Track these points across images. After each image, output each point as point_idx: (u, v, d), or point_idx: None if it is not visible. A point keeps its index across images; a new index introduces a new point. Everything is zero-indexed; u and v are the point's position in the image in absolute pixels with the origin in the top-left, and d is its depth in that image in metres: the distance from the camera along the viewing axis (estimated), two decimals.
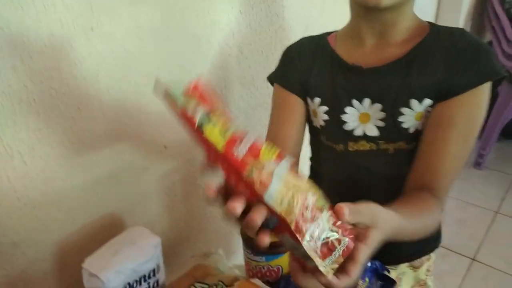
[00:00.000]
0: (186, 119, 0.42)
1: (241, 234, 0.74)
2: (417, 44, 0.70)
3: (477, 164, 2.51)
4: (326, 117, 0.76)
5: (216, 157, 0.41)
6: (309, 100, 0.79)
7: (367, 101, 0.72)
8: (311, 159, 0.89)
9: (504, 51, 2.13)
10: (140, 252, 0.69)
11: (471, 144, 0.68)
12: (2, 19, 0.56)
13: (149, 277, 0.71)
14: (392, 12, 0.68)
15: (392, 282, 0.74)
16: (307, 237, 0.40)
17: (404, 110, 0.69)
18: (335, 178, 0.80)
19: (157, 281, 0.73)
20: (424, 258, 0.86)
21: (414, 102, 0.68)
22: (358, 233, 0.47)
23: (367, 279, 0.70)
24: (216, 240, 1.04)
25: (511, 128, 2.56)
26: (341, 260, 0.43)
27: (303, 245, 0.40)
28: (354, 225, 0.46)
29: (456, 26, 0.71)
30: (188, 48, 0.84)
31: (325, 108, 0.76)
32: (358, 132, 0.74)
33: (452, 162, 0.67)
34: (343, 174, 0.79)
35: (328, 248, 0.42)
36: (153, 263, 0.71)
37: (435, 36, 0.70)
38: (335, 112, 0.75)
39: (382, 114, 0.71)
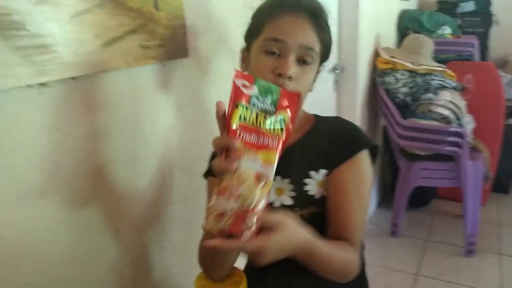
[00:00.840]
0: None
1: None
2: (307, 130, 0.93)
3: (393, 232, 2.76)
4: None
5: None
6: None
7: (278, 178, 0.89)
8: None
9: (397, 133, 2.51)
10: None
11: (366, 199, 0.89)
12: None
13: None
14: None
15: None
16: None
17: (306, 180, 0.88)
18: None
19: None
20: None
21: (312, 173, 0.88)
22: (262, 227, 0.63)
23: None
24: None
25: (415, 197, 2.91)
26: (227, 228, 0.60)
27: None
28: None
29: (335, 116, 0.98)
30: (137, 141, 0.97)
31: None
32: (276, 204, 0.89)
33: (354, 216, 0.85)
34: None
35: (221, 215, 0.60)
36: None
37: (319, 123, 0.94)
38: None
39: (291, 186, 0.89)
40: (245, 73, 0.68)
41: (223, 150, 0.63)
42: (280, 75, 0.80)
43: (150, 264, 1.04)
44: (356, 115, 2.53)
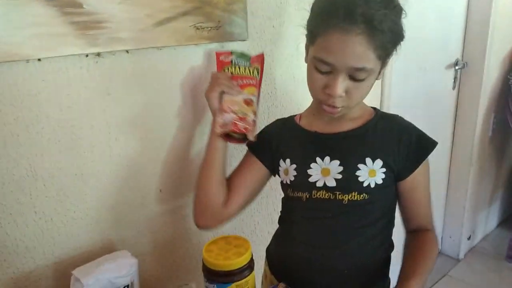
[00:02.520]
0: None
1: (204, 268, 0.89)
2: (368, 121, 0.94)
3: (509, 256, 2.42)
4: (295, 173, 0.96)
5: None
6: (281, 162, 0.99)
7: (327, 158, 0.92)
8: (281, 212, 1.05)
9: None
10: (118, 268, 0.87)
11: (430, 196, 1.01)
12: None
13: None
14: None
15: None
16: None
17: (360, 165, 0.89)
18: (301, 223, 0.97)
19: None
20: None
21: (368, 160, 0.89)
22: None
23: None
24: (192, 277, 1.17)
25: None
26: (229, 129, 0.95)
27: None
28: None
29: (393, 114, 1.01)
30: (186, 114, 1.08)
31: (294, 166, 0.96)
32: (319, 183, 0.92)
33: (429, 207, 1.00)
34: (307, 219, 0.96)
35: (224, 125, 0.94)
36: (127, 279, 0.88)
37: (380, 117, 0.96)
38: (302, 168, 0.95)
39: (340, 169, 0.90)
40: (223, 50, 0.98)
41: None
42: (329, 95, 0.83)
43: (188, 225, 1.15)
44: (477, 117, 2.26)
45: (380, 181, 0.89)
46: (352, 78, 0.81)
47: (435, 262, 0.93)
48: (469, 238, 2.55)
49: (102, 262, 0.87)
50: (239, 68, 0.99)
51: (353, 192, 0.89)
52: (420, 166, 0.93)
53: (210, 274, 0.86)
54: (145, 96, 0.99)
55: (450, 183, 2.45)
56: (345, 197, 0.90)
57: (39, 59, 0.82)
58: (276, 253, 1.04)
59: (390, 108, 1.74)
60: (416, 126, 0.97)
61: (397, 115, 0.99)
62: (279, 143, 1.00)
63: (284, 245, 1.01)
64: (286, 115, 1.08)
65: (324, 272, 0.92)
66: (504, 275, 2.33)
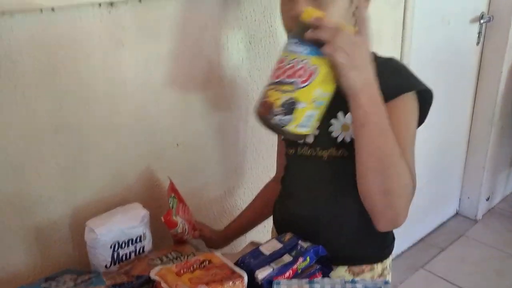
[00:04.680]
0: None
1: (298, 23, 0.70)
2: None
3: None
4: None
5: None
6: None
7: None
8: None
9: None
10: (130, 219, 0.89)
11: (410, 145, 0.78)
12: None
13: (136, 241, 0.89)
14: None
15: (330, 267, 0.85)
16: None
17: (332, 121, 0.84)
18: (290, 179, 0.98)
19: (143, 247, 0.91)
20: (365, 266, 0.90)
21: (340, 114, 0.83)
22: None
23: (308, 258, 0.82)
24: None
25: None
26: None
27: None
28: None
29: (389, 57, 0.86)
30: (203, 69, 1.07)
31: None
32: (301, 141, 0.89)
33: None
34: (294, 175, 0.96)
35: None
36: (140, 230, 0.90)
37: None
38: None
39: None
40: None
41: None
42: (294, 18, 0.74)
43: (209, 179, 1.16)
44: (501, 75, 2.19)
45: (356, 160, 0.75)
46: None
47: (396, 156, 0.70)
48: (487, 199, 2.53)
49: (114, 213, 0.89)
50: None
51: (331, 148, 0.85)
52: (392, 108, 0.74)
53: (306, 30, 0.67)
54: (159, 46, 0.98)
55: (470, 142, 2.41)
56: (324, 153, 0.86)
57: (52, 9, 0.81)
58: (275, 209, 1.04)
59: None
60: (405, 67, 0.83)
61: (392, 58, 0.86)
62: None
63: (279, 200, 1.02)
64: None
65: (319, 227, 0.90)
66: None
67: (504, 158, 2.54)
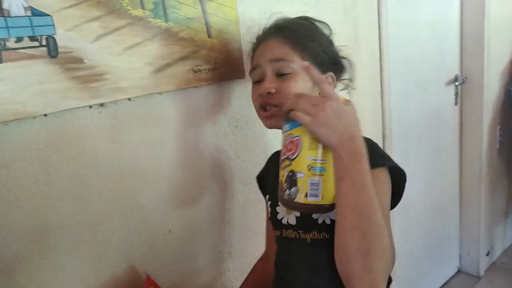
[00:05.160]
0: None
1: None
2: None
3: None
4: (270, 209, 0.97)
5: None
6: (266, 198, 1.02)
7: None
8: None
9: None
10: None
11: (385, 211, 0.77)
12: None
13: None
14: None
15: None
16: None
17: None
18: (277, 259, 0.98)
19: None
20: None
21: None
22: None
23: None
24: None
25: None
26: None
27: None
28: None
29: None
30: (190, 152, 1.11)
31: (269, 202, 0.98)
32: (284, 221, 0.91)
33: None
34: (280, 256, 0.96)
35: None
36: None
37: None
38: (273, 205, 0.96)
39: None
40: None
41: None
42: (261, 96, 0.89)
43: (202, 264, 1.15)
44: (482, 131, 2.26)
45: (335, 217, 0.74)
46: (279, 75, 0.88)
47: (376, 217, 0.68)
48: (487, 254, 2.50)
49: None
50: None
51: (313, 231, 0.85)
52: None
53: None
54: (149, 141, 1.02)
55: (462, 199, 2.43)
56: (307, 236, 0.86)
57: (45, 115, 0.85)
58: None
59: (393, 129, 1.75)
60: (377, 146, 0.86)
61: (366, 139, 0.79)
62: (266, 180, 1.05)
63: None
64: None
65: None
66: None
67: (498, 211, 2.55)
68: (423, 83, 2.02)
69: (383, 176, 0.81)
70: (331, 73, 0.93)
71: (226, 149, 1.18)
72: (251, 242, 1.28)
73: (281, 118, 0.76)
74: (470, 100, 2.26)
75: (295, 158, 0.70)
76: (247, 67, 1.16)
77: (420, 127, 2.04)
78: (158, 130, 1.03)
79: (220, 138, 1.16)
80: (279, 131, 0.77)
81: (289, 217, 0.90)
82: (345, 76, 1.00)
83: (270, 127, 0.92)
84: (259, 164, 1.24)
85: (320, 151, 0.71)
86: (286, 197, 0.71)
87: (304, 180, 0.70)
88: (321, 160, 0.71)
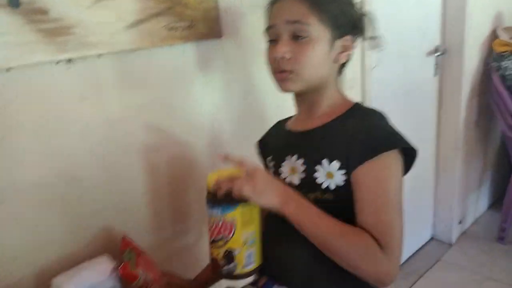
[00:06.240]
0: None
1: (208, 194, 0.83)
2: (337, 117, 0.90)
3: (500, 238, 2.45)
4: (272, 169, 0.97)
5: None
6: (268, 159, 1.02)
7: (295, 157, 0.91)
8: None
9: (509, 125, 2.20)
10: (99, 273, 0.86)
11: (394, 202, 0.80)
12: None
13: None
14: (312, 94, 0.91)
15: None
16: None
17: (317, 167, 0.86)
18: (275, 218, 0.94)
19: None
20: None
21: (324, 162, 0.85)
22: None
23: None
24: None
25: None
26: None
27: None
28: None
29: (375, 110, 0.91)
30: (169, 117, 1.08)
31: (273, 162, 0.98)
32: (288, 181, 0.91)
33: (373, 215, 0.79)
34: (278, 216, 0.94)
35: None
36: (109, 284, 0.87)
37: (353, 113, 0.90)
38: (277, 165, 0.96)
39: (303, 168, 0.88)
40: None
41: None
42: (275, 58, 0.86)
43: (183, 226, 1.14)
44: (460, 102, 2.28)
45: (341, 183, 0.83)
46: (295, 38, 0.84)
47: (348, 248, 0.77)
48: (460, 222, 2.57)
49: (82, 269, 0.87)
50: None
51: (317, 192, 0.86)
52: (372, 166, 0.80)
53: (213, 198, 0.80)
54: (121, 99, 0.98)
55: (438, 169, 2.47)
56: (310, 195, 0.86)
57: (8, 69, 0.81)
58: None
59: (372, 98, 1.74)
60: (387, 124, 0.87)
61: (375, 112, 0.91)
62: (269, 143, 1.05)
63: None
64: (265, 111, 1.09)
65: (296, 268, 0.89)
66: (496, 256, 2.36)
67: (472, 181, 2.61)
68: (404, 53, 2.00)
69: (390, 161, 0.82)
70: (348, 37, 0.89)
71: (201, 111, 1.15)
72: None
73: (296, 83, 0.86)
74: (449, 71, 2.26)
75: (230, 238, 0.80)
76: (224, 26, 1.13)
77: (400, 95, 2.04)
78: (132, 90, 1.00)
79: (196, 100, 1.13)
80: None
81: (294, 178, 0.90)
82: (368, 34, 0.94)
83: (285, 91, 0.89)
84: (235, 126, 1.23)
85: (252, 226, 0.82)
86: (225, 272, 0.82)
87: (240, 255, 0.81)
88: (252, 232, 0.82)
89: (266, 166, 1.04)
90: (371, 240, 0.76)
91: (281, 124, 1.04)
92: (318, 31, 0.84)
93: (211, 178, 0.81)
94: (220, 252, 0.81)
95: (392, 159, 0.83)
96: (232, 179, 0.77)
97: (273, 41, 0.87)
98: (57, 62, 0.87)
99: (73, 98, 0.91)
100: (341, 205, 0.83)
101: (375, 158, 0.80)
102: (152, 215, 1.10)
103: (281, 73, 0.86)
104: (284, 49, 0.84)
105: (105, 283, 0.87)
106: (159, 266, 0.95)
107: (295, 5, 0.84)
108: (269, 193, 0.78)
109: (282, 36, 0.85)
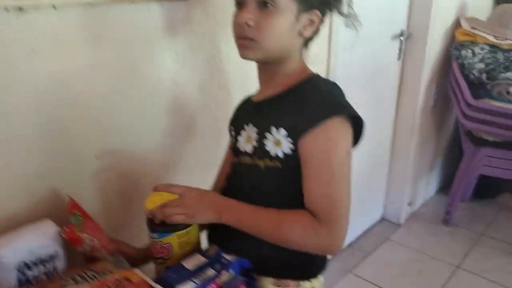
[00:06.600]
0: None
1: (147, 217, 0.87)
2: (292, 86, 0.90)
3: (445, 221, 2.58)
4: (234, 139, 0.98)
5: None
6: (231, 127, 1.02)
7: (250, 125, 0.92)
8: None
9: (463, 113, 2.28)
10: (40, 238, 0.83)
11: (339, 172, 0.84)
12: None
13: (46, 261, 0.83)
14: (272, 65, 0.90)
15: (254, 278, 0.86)
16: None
17: (266, 134, 0.87)
18: (231, 186, 1.00)
19: (56, 268, 0.85)
20: (290, 281, 0.91)
21: (273, 129, 0.86)
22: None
23: (231, 271, 0.82)
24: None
25: (483, 187, 2.66)
26: None
27: None
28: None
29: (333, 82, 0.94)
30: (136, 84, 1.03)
31: (233, 132, 0.99)
32: (242, 149, 0.93)
33: (322, 189, 0.82)
34: (235, 183, 0.98)
35: None
36: (51, 249, 0.84)
37: (308, 83, 0.90)
38: (236, 134, 0.97)
39: (256, 136, 0.89)
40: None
41: None
42: (239, 24, 0.84)
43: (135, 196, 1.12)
44: (420, 88, 2.34)
45: (288, 151, 0.84)
46: (261, 6, 0.82)
47: (282, 224, 0.84)
48: (409, 204, 2.68)
49: (22, 232, 0.83)
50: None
51: (266, 159, 0.87)
52: (317, 134, 0.81)
53: (151, 222, 0.86)
54: (74, 56, 0.93)
55: (393, 151, 2.55)
56: (261, 162, 0.88)
57: None
58: None
59: (337, 76, 1.75)
60: (335, 94, 0.89)
61: (329, 82, 0.94)
62: (235, 115, 1.05)
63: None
64: (229, 82, 1.07)
65: (245, 234, 0.88)
66: (441, 238, 2.49)
67: (424, 165, 2.71)
68: (371, 35, 2.02)
69: (335, 128, 0.83)
70: (316, 12, 0.87)
71: (161, 75, 1.12)
72: (196, 176, 1.26)
73: (256, 51, 0.84)
74: (412, 56, 2.31)
75: (168, 258, 0.86)
76: None
77: (363, 77, 2.06)
78: (88, 49, 0.95)
79: (157, 62, 1.09)
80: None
81: (248, 146, 0.92)
82: (342, 11, 0.94)
83: (244, 58, 0.87)
84: (197, 94, 1.20)
85: (190, 245, 0.88)
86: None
87: None
88: (190, 250, 0.88)
89: (230, 137, 1.03)
90: (308, 218, 0.82)
91: (249, 97, 1.04)
92: (285, 2, 0.82)
93: (149, 202, 0.87)
94: (161, 268, 0.88)
95: (336, 128, 0.83)
96: (163, 207, 0.83)
97: (240, 5, 0.85)
98: (7, 10, 0.80)
99: (24, 52, 0.85)
100: (290, 173, 0.85)
101: (318, 126, 0.81)
102: (103, 181, 1.06)
103: (243, 39, 0.85)
104: (248, 15, 0.82)
105: (47, 248, 0.84)
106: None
107: None
108: (201, 211, 0.85)
109: (248, 2, 0.83)
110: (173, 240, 0.85)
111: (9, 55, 0.83)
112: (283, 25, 0.84)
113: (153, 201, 0.87)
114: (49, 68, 0.89)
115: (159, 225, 0.85)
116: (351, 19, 0.97)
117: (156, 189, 0.90)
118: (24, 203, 0.92)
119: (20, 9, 0.82)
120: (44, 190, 0.95)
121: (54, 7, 0.86)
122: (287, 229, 0.84)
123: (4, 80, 0.83)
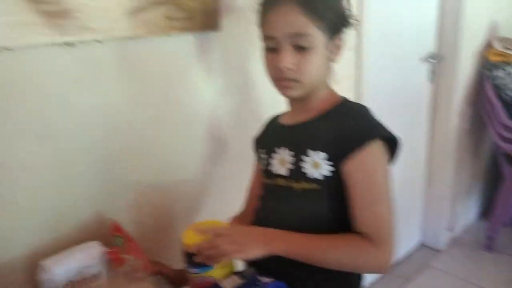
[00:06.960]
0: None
1: (184, 251, 0.89)
2: (326, 111, 0.93)
3: (487, 246, 2.47)
4: (265, 162, 1.00)
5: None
6: (260, 150, 1.04)
7: (283, 149, 0.95)
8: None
9: (499, 134, 2.23)
10: (87, 257, 0.88)
11: (382, 193, 0.85)
12: None
13: (90, 280, 0.87)
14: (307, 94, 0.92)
15: None
16: None
17: (304, 157, 0.89)
18: (264, 208, 1.01)
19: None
20: None
21: (311, 152, 0.88)
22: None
23: None
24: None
25: None
26: None
27: None
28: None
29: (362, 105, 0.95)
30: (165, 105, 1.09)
31: (265, 155, 1.00)
32: (275, 171, 0.95)
33: (366, 210, 0.84)
34: (268, 205, 1.00)
35: None
36: (96, 269, 0.88)
37: (341, 107, 0.93)
38: (268, 157, 0.99)
39: (292, 159, 0.92)
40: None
41: None
42: (278, 68, 0.86)
43: (175, 218, 1.15)
44: (453, 110, 2.31)
45: (328, 173, 0.86)
46: (297, 48, 0.85)
47: (339, 260, 0.84)
48: (449, 229, 2.59)
49: (70, 252, 0.88)
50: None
51: (303, 182, 0.89)
52: (357, 158, 0.84)
53: (190, 257, 0.86)
54: (118, 86, 0.99)
55: (429, 175, 2.49)
56: (297, 185, 0.90)
57: (9, 49, 0.82)
58: None
59: (366, 99, 1.76)
60: (370, 116, 0.91)
61: (360, 106, 0.95)
62: (263, 137, 1.08)
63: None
64: (260, 107, 1.11)
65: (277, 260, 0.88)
66: (484, 264, 2.38)
67: (462, 189, 2.63)
68: (399, 58, 2.03)
69: (374, 151, 0.86)
70: (339, 36, 0.91)
71: (198, 102, 1.17)
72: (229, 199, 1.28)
73: (299, 90, 0.88)
74: (444, 78, 2.29)
75: None
76: (225, 19, 1.15)
77: (393, 100, 2.06)
78: (131, 78, 1.01)
79: (193, 90, 1.15)
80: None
81: (283, 169, 0.93)
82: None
83: (287, 97, 0.94)
84: (232, 117, 1.24)
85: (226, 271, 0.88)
86: None
87: None
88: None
89: (260, 159, 1.05)
90: (359, 240, 0.83)
91: (274, 118, 1.07)
92: (317, 39, 0.86)
93: (187, 235, 0.88)
94: None
95: (376, 149, 0.86)
96: (212, 244, 0.81)
97: (274, 49, 0.87)
98: (58, 45, 0.88)
99: (72, 82, 0.92)
100: (327, 195, 0.87)
101: (360, 149, 0.84)
102: (145, 204, 1.10)
103: (286, 82, 0.88)
104: (288, 59, 0.85)
105: (93, 267, 0.88)
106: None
107: (293, 16, 0.84)
108: (251, 245, 0.82)
109: (283, 46, 0.85)
110: (216, 273, 0.87)
111: (60, 86, 0.90)
112: (319, 61, 0.88)
113: (191, 236, 0.88)
114: (95, 97, 0.96)
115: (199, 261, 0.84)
116: (353, 21, 0.96)
117: (193, 226, 0.90)
118: (72, 224, 0.98)
119: (70, 44, 0.90)
120: (90, 213, 1.00)
121: (99, 41, 0.94)
122: (340, 251, 0.84)
123: (54, 108, 0.90)
